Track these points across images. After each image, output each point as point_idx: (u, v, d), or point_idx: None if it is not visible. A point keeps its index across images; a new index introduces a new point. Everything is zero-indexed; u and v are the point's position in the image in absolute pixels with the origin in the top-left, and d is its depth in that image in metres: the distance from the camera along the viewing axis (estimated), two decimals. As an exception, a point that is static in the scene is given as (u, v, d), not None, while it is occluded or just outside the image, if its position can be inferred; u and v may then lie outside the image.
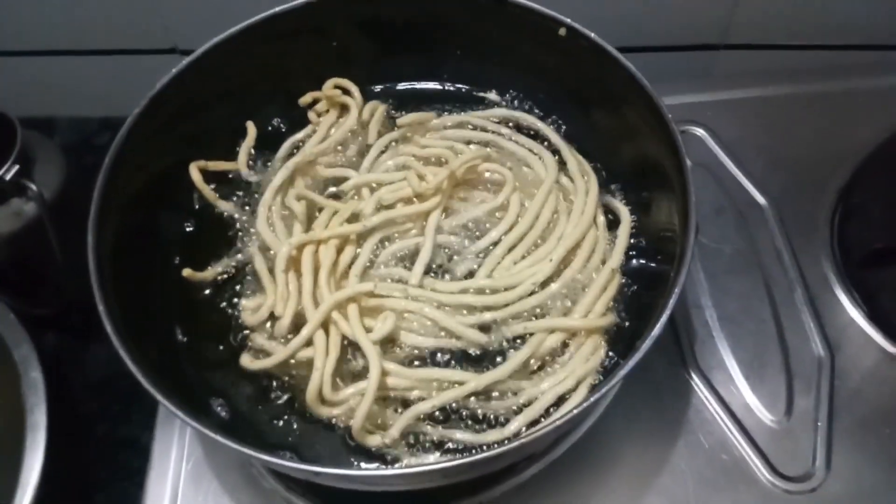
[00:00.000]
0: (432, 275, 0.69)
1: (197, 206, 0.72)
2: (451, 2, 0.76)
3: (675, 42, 0.96)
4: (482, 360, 0.64)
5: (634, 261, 0.69)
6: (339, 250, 0.69)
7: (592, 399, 0.52)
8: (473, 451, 0.59)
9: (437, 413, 0.62)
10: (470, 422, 0.62)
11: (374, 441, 0.60)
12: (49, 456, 0.66)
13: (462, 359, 0.65)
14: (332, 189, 0.74)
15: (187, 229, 0.72)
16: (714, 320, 0.74)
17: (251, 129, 0.76)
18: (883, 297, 0.73)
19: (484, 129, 0.77)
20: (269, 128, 0.78)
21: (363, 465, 0.61)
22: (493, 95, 0.81)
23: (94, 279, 0.57)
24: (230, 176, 0.75)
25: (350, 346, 0.64)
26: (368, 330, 0.63)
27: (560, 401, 0.62)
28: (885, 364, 0.71)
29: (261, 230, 0.70)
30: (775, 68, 0.94)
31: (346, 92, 0.78)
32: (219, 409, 0.63)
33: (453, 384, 0.62)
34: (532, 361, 0.64)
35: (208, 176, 0.73)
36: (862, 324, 0.73)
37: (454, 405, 0.62)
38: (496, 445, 0.51)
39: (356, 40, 0.78)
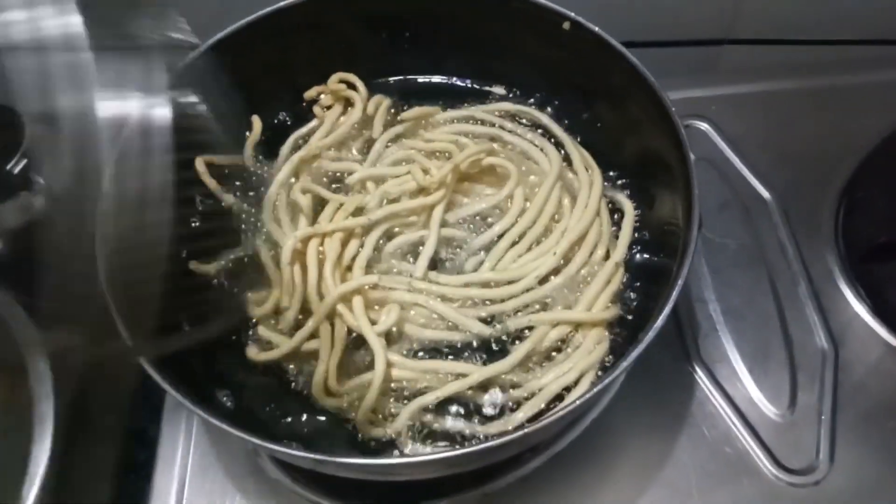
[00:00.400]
0: (436, 268, 0.69)
1: (203, 200, 0.73)
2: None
3: (680, 37, 0.96)
4: (486, 352, 0.65)
5: (638, 255, 0.69)
6: (344, 243, 0.69)
7: (595, 390, 0.52)
8: (475, 442, 0.59)
9: (441, 405, 0.62)
10: (473, 414, 0.62)
11: (378, 432, 0.60)
12: (56, 447, 0.65)
13: (466, 351, 0.65)
14: (336, 186, 0.75)
15: (193, 223, 0.72)
16: (718, 314, 0.74)
17: (257, 123, 0.76)
18: (887, 290, 0.73)
19: (489, 124, 0.77)
20: (275, 121, 0.79)
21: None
22: (498, 89, 0.81)
23: (102, 271, 0.57)
24: (234, 170, 0.75)
25: (355, 339, 0.64)
26: (373, 322, 0.64)
27: (563, 393, 0.62)
28: (889, 357, 0.71)
29: (267, 223, 0.70)
30: (780, 63, 0.94)
31: (351, 86, 0.79)
32: (225, 399, 0.63)
33: (457, 376, 0.62)
34: (535, 354, 0.64)
35: (214, 170, 0.73)
36: (866, 317, 0.73)
37: (458, 397, 0.62)
38: (499, 437, 0.51)
39: (361, 35, 0.78)
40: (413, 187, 0.71)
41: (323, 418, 0.63)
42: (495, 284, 0.67)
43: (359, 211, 0.71)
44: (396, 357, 0.63)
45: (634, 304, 0.67)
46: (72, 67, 0.46)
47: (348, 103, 0.79)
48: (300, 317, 0.66)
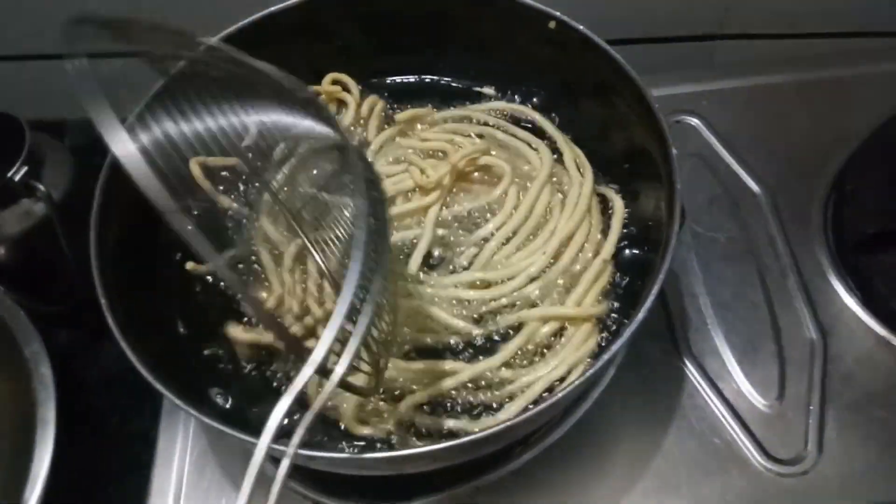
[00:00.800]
0: (427, 267, 0.70)
1: (198, 203, 0.74)
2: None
3: (673, 33, 0.96)
4: (476, 350, 0.66)
5: (627, 250, 0.70)
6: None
7: (576, 383, 0.53)
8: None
9: (431, 403, 0.63)
10: (464, 411, 0.63)
11: (366, 431, 0.61)
12: (58, 449, 0.67)
13: (457, 349, 0.66)
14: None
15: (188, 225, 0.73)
16: (708, 307, 0.75)
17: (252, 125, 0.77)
18: (876, 282, 0.74)
19: (483, 123, 0.78)
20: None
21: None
22: (489, 90, 0.82)
23: (96, 274, 0.59)
24: (229, 173, 0.76)
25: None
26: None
27: (552, 388, 0.63)
28: (877, 348, 0.72)
29: (265, 227, 0.71)
30: (770, 58, 0.94)
31: (344, 88, 0.80)
32: (219, 398, 0.64)
33: (447, 375, 0.63)
34: (525, 351, 0.65)
35: (209, 173, 0.74)
36: (855, 309, 0.74)
37: (449, 395, 0.63)
38: (487, 429, 0.52)
39: (352, 36, 0.79)
40: (410, 186, 0.72)
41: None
42: (485, 284, 0.68)
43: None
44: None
45: (623, 298, 0.67)
46: None
47: (342, 105, 0.80)
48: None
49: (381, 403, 0.63)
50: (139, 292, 0.64)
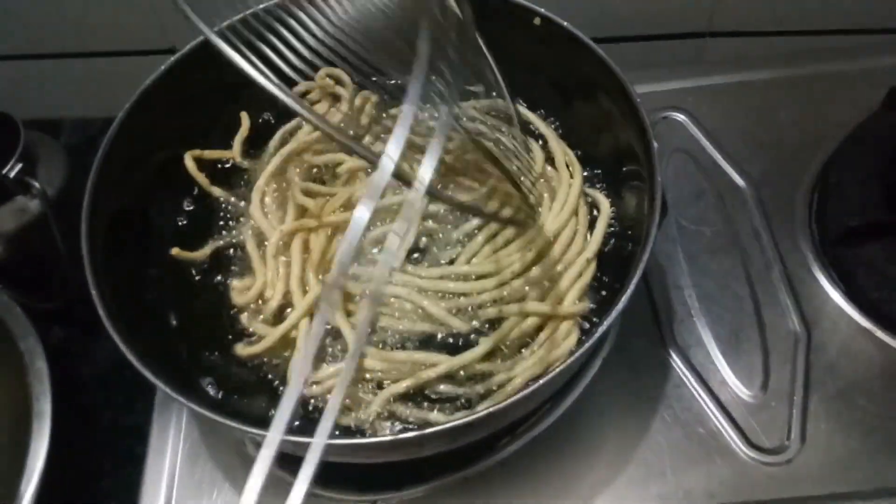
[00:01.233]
0: (414, 258, 0.71)
1: (191, 196, 0.75)
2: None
3: (662, 31, 0.98)
4: (458, 343, 0.66)
5: (612, 246, 0.71)
6: (331, 238, 0.71)
7: (550, 376, 0.54)
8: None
9: (413, 395, 0.64)
10: (444, 404, 0.64)
11: (349, 420, 0.62)
12: (54, 443, 0.68)
13: (438, 342, 0.67)
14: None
15: (179, 222, 0.75)
16: (693, 300, 0.76)
17: (245, 119, 0.78)
18: (859, 273, 0.75)
19: (477, 120, 0.78)
20: (260, 120, 0.81)
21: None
22: (481, 89, 0.82)
23: (88, 265, 0.60)
24: (224, 166, 0.77)
25: (334, 329, 0.66)
26: (350, 314, 0.66)
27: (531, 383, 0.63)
28: (860, 339, 0.72)
29: (254, 215, 0.72)
30: (756, 54, 0.95)
31: (338, 82, 0.80)
32: (209, 388, 0.65)
33: (428, 366, 0.64)
34: (505, 345, 0.65)
35: (202, 167, 0.75)
36: (838, 300, 0.75)
37: (429, 387, 0.64)
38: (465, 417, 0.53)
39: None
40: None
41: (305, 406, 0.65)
42: (469, 278, 0.68)
43: (349, 203, 0.73)
44: (370, 347, 0.65)
45: (606, 295, 0.68)
46: None
47: (336, 99, 0.81)
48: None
49: (361, 393, 0.64)
50: (131, 285, 0.66)
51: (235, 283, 0.70)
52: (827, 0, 0.92)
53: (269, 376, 0.66)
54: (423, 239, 0.72)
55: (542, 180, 0.74)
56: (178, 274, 0.71)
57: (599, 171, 0.75)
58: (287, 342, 0.67)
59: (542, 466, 0.68)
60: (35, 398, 0.70)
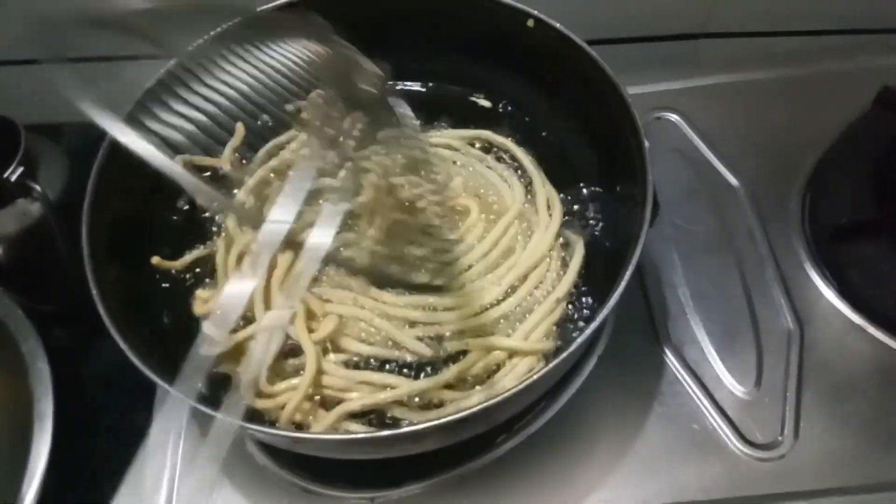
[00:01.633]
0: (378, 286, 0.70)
1: (186, 201, 0.76)
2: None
3: (656, 32, 0.98)
4: (419, 369, 0.67)
5: (605, 246, 0.72)
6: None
7: (521, 386, 0.54)
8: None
9: (368, 415, 0.64)
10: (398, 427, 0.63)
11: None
12: (55, 444, 0.68)
13: (401, 367, 0.67)
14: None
15: (179, 224, 0.76)
16: (687, 298, 0.77)
17: (240, 129, 0.79)
18: (851, 271, 0.75)
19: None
20: (258, 122, 0.81)
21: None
22: (484, 101, 0.83)
23: (88, 267, 0.61)
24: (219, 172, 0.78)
25: (295, 346, 0.66)
26: (312, 331, 0.66)
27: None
28: (852, 335, 0.73)
29: (230, 228, 0.73)
30: (749, 55, 0.97)
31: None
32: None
33: (386, 388, 0.64)
34: (469, 376, 0.65)
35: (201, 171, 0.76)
36: (831, 297, 0.75)
37: (384, 409, 0.64)
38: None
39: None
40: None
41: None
42: (437, 308, 0.68)
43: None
44: (328, 365, 0.65)
45: (599, 292, 0.69)
46: None
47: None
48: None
49: (312, 407, 0.64)
50: (131, 286, 0.67)
51: (199, 292, 0.70)
52: (819, 1, 0.93)
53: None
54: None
55: (519, 219, 0.74)
56: (178, 275, 0.72)
57: (592, 175, 0.76)
58: (241, 351, 0.66)
59: (539, 463, 0.69)
60: (36, 399, 0.71)
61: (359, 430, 0.63)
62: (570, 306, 0.69)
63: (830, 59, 0.91)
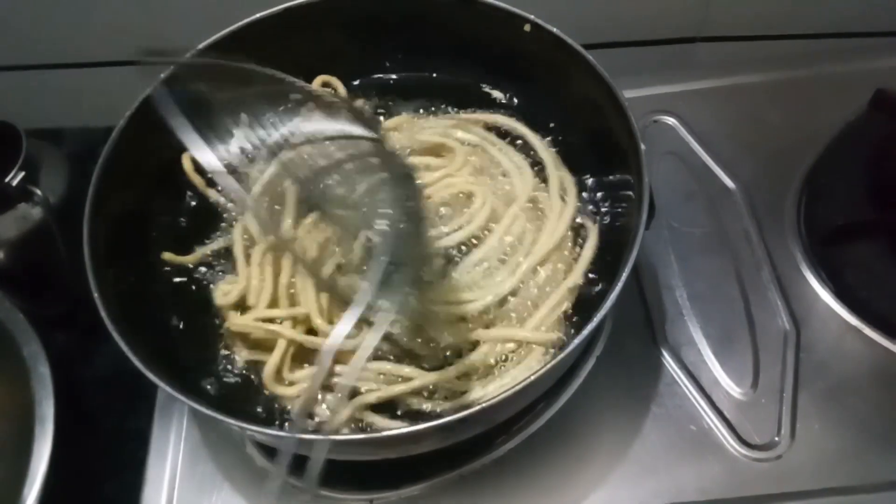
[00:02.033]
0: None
1: (191, 199, 0.76)
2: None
3: (652, 36, 0.99)
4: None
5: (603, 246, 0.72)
6: (323, 246, 0.71)
7: (523, 384, 0.55)
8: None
9: (383, 406, 0.64)
10: (412, 418, 0.64)
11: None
12: (57, 447, 0.69)
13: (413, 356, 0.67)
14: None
15: (180, 224, 0.76)
16: (684, 300, 0.77)
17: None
18: (847, 273, 0.76)
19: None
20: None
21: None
22: (498, 94, 0.82)
23: (90, 271, 0.61)
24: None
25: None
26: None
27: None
28: (848, 336, 0.74)
29: (249, 224, 0.73)
30: (745, 58, 0.97)
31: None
32: (209, 388, 0.66)
33: (401, 379, 0.64)
34: (481, 367, 0.66)
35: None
36: (827, 299, 0.76)
37: (399, 400, 0.64)
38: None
39: (340, 38, 0.81)
40: None
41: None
42: (454, 301, 0.68)
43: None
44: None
45: (596, 293, 0.69)
46: None
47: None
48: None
49: (330, 398, 0.64)
50: (132, 289, 0.67)
51: (221, 284, 0.70)
52: (814, 4, 0.94)
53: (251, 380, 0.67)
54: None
55: (531, 206, 0.73)
56: (178, 276, 0.72)
57: (593, 178, 0.75)
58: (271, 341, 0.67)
59: (537, 464, 0.70)
60: (38, 402, 0.71)
61: (373, 423, 0.63)
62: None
63: (825, 61, 0.92)
